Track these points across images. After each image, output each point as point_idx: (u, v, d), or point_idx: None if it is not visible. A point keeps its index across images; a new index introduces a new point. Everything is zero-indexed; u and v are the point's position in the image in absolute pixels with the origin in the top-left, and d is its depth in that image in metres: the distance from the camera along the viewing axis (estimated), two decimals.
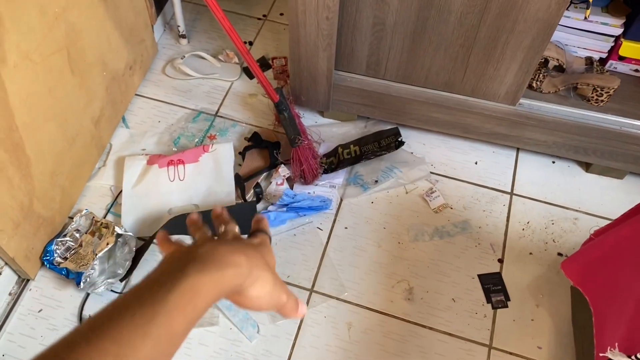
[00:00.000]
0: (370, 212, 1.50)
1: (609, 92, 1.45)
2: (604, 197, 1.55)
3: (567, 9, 1.33)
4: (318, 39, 1.41)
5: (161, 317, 0.38)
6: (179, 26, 1.79)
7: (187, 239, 0.50)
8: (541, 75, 1.50)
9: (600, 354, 0.87)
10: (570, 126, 1.48)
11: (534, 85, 1.50)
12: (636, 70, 1.53)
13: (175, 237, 0.51)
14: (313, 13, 1.35)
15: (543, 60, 1.51)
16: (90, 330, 0.36)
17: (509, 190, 1.56)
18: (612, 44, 1.50)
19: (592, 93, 1.47)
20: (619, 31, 1.46)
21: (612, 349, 0.84)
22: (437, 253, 1.43)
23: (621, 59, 1.52)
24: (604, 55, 1.53)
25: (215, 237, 0.50)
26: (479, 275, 1.40)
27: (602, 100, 1.47)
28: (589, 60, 1.53)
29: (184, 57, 1.76)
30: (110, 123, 1.57)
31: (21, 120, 1.15)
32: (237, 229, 0.54)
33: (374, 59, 1.47)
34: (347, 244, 1.44)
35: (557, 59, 1.51)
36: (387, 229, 1.47)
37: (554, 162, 1.61)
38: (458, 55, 1.40)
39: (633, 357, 0.82)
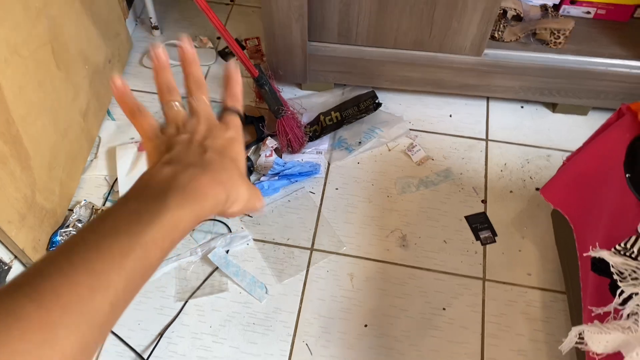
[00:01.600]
0: (358, 171, 1.58)
1: (565, 34, 1.55)
2: (571, 134, 1.65)
3: None
4: (290, 11, 1.47)
5: (138, 252, 0.37)
6: (150, 18, 1.83)
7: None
8: (501, 25, 1.60)
9: (584, 254, 0.97)
10: (533, 70, 1.58)
11: (496, 35, 1.60)
12: (587, 12, 1.64)
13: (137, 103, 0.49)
14: None
15: (502, 11, 1.61)
16: (65, 259, 0.35)
17: (484, 137, 1.65)
18: None
19: (550, 36, 1.57)
20: None
21: (593, 248, 0.94)
22: (425, 201, 1.52)
23: (573, 2, 1.62)
24: (557, 2, 1.64)
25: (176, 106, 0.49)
26: (466, 217, 1.49)
27: (559, 42, 1.57)
28: (544, 7, 1.63)
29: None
30: (97, 116, 1.61)
31: (17, 113, 1.19)
32: (207, 98, 0.51)
33: (344, 25, 1.55)
34: (339, 204, 1.52)
35: (515, 9, 1.61)
36: (375, 185, 1.55)
37: (522, 107, 1.71)
38: (423, 13, 1.48)
39: (612, 249, 0.91)
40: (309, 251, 1.44)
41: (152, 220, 0.38)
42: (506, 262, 1.42)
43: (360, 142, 1.62)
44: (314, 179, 1.56)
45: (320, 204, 1.52)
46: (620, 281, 0.88)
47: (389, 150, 1.62)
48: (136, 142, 1.60)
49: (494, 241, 1.45)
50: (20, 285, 0.33)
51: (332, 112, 1.66)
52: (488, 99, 1.73)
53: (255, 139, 1.59)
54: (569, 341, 0.95)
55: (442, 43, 1.56)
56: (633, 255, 0.87)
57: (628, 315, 0.86)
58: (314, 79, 1.70)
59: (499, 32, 1.60)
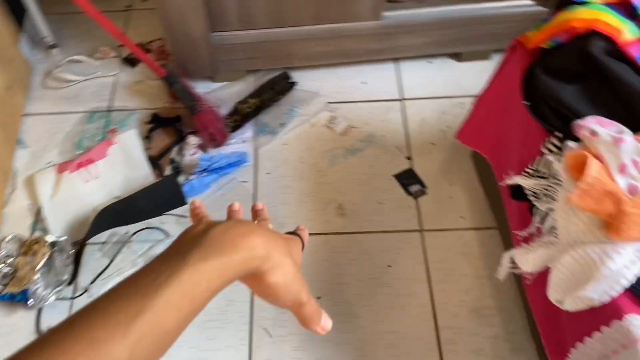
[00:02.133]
0: (285, 152, 1.59)
1: None
2: (479, 79, 1.71)
3: None
4: (186, 5, 1.46)
5: (147, 316, 0.33)
6: (45, 37, 1.76)
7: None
8: None
9: (500, 184, 1.03)
10: (432, 24, 1.64)
11: None
12: None
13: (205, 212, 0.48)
14: None
15: None
16: (68, 326, 0.33)
17: (399, 98, 1.70)
18: None
19: None
20: None
21: (506, 175, 1.00)
22: (354, 169, 1.55)
23: None
24: None
25: None
26: (395, 175, 1.54)
27: None
28: None
29: (61, 65, 1.75)
30: (7, 147, 1.54)
31: None
32: (271, 227, 0.50)
33: (244, 11, 1.55)
34: (273, 187, 1.53)
35: None
36: (305, 162, 1.57)
37: (430, 62, 1.78)
38: None
39: (523, 173, 0.97)
40: None
41: (169, 280, 0.35)
42: (439, 210, 1.48)
43: (282, 124, 1.64)
44: (244, 168, 1.57)
45: (254, 191, 1.52)
46: (535, 201, 0.94)
47: (312, 126, 1.64)
48: (54, 165, 1.55)
49: (425, 193, 1.51)
50: (18, 357, 0.31)
51: (250, 100, 1.67)
52: (397, 60, 1.78)
53: (176, 139, 1.57)
54: (503, 267, 1.01)
55: (342, 13, 1.58)
56: (544, 175, 0.94)
57: (548, 231, 0.93)
58: (225, 70, 1.69)
59: None
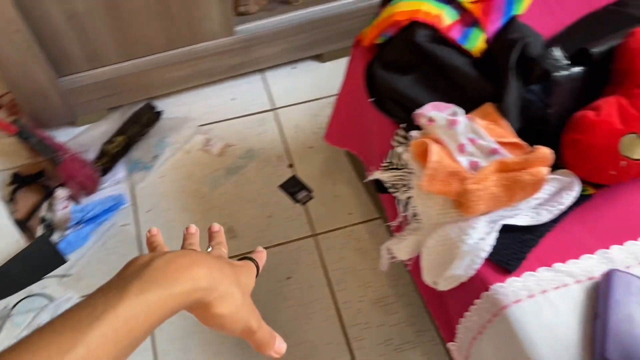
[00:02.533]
0: (164, 185, 1.54)
1: None
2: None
3: None
4: (22, 54, 1.37)
5: (79, 351, 0.32)
6: None
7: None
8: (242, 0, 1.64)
9: (364, 181, 1.05)
10: (287, 31, 1.65)
11: (242, 10, 1.63)
12: None
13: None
14: (1, 32, 1.30)
15: None
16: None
17: (271, 108, 1.70)
18: None
19: None
20: None
21: (369, 172, 1.02)
22: (238, 188, 1.53)
23: None
24: None
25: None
26: (280, 186, 1.53)
27: None
28: None
29: None
30: None
31: None
32: (226, 252, 0.51)
33: (89, 50, 1.47)
34: (157, 224, 1.48)
35: None
36: (186, 191, 1.53)
37: (294, 68, 1.79)
38: (160, 12, 1.46)
39: (380, 167, 1.00)
40: None
41: (104, 313, 0.34)
42: (328, 211, 1.49)
43: (155, 157, 1.58)
44: (123, 210, 1.50)
45: (138, 233, 1.46)
46: (395, 192, 0.97)
47: (187, 153, 1.60)
48: None
49: (312, 197, 1.52)
50: None
51: (116, 138, 1.59)
52: (262, 71, 1.77)
53: (44, 196, 1.48)
54: (383, 258, 1.04)
55: (192, 35, 1.55)
56: (398, 167, 0.96)
57: (412, 218, 0.96)
58: (84, 112, 1.61)
59: (244, 6, 1.63)
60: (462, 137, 0.87)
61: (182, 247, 0.52)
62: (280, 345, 0.47)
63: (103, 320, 0.34)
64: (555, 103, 0.88)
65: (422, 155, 0.88)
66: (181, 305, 0.39)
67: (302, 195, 1.52)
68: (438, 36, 0.97)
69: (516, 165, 0.82)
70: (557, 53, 0.88)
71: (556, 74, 0.86)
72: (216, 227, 0.56)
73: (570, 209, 0.88)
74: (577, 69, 0.87)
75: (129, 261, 0.40)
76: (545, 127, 0.90)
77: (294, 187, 1.54)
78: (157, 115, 1.63)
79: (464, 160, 0.87)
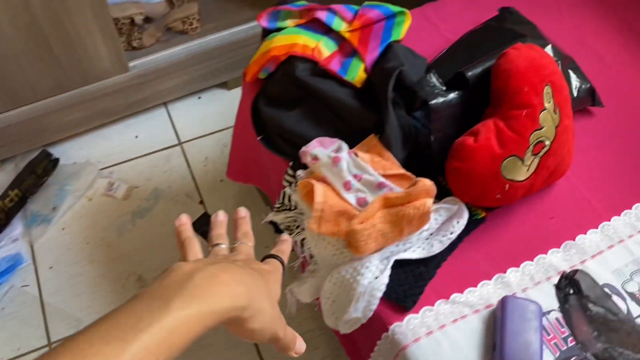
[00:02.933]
0: (66, 238, 1.45)
1: (195, 18, 1.58)
2: None
3: None
4: None
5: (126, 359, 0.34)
6: None
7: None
8: (136, 33, 1.56)
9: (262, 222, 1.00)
10: (186, 62, 1.59)
11: (136, 44, 1.56)
12: None
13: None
14: None
15: (130, 20, 1.57)
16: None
17: (177, 142, 1.63)
18: None
19: (184, 25, 1.58)
20: None
21: (265, 214, 0.98)
22: (146, 232, 1.46)
23: None
24: None
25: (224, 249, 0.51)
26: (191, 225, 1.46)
27: (196, 27, 1.60)
28: (170, 0, 1.63)
29: None
30: None
31: None
32: (252, 244, 0.53)
33: None
34: (61, 281, 1.38)
35: (141, 12, 1.58)
36: (91, 242, 1.44)
37: (199, 98, 1.73)
38: (42, 56, 1.37)
39: (274, 208, 0.96)
40: (47, 348, 1.28)
41: (150, 326, 0.35)
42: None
43: (55, 208, 1.48)
44: (22, 270, 1.39)
45: (40, 293, 1.36)
46: (290, 234, 0.93)
47: (90, 200, 1.51)
48: None
49: None
50: None
51: (10, 192, 1.48)
52: (165, 104, 1.70)
53: None
54: (289, 301, 0.99)
55: (83, 76, 1.47)
56: (290, 207, 0.92)
57: (310, 259, 0.92)
58: None
59: (138, 41, 1.56)
60: (346, 174, 0.84)
61: (211, 237, 0.54)
62: (300, 346, 0.50)
63: (147, 333, 0.35)
64: (437, 130, 0.86)
65: (310, 195, 0.85)
66: (219, 321, 0.40)
67: None
68: (318, 69, 0.93)
69: (400, 200, 0.80)
70: (433, 79, 0.87)
71: (432, 101, 0.85)
72: (242, 212, 0.57)
73: (465, 234, 0.87)
74: (452, 95, 0.86)
75: (170, 268, 0.41)
76: (431, 153, 0.88)
77: (206, 226, 1.46)
78: (54, 162, 1.53)
79: (351, 198, 0.84)
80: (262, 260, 0.53)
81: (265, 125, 0.98)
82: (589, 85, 0.99)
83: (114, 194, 1.51)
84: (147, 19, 1.60)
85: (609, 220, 0.90)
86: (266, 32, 1.01)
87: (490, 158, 0.80)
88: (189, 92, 1.68)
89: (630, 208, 0.92)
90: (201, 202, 1.52)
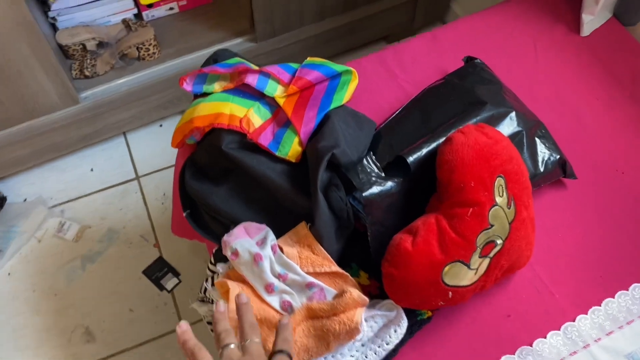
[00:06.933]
0: (11, 284, 1.36)
1: (151, 44, 1.46)
2: None
3: None
4: None
5: None
6: None
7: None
8: (89, 60, 1.45)
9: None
10: (144, 89, 1.48)
11: (88, 73, 1.45)
12: (171, 9, 1.56)
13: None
14: None
15: (81, 46, 1.46)
16: None
17: (134, 176, 1.53)
18: None
19: (140, 52, 1.47)
20: None
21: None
22: (96, 279, 1.37)
23: (150, 6, 1.53)
24: (135, 11, 1.53)
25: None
26: (143, 272, 1.38)
27: (153, 53, 1.48)
28: (125, 22, 1.52)
29: None
30: None
31: None
32: (259, 340, 0.56)
33: None
34: (3, 334, 1.30)
35: (94, 37, 1.47)
36: (38, 289, 1.36)
37: (161, 125, 1.62)
38: None
39: (198, 298, 0.86)
40: None
41: None
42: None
43: (0, 251, 1.40)
44: None
45: None
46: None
47: (39, 242, 1.42)
48: None
49: (179, 281, 1.37)
50: None
51: None
52: (124, 133, 1.60)
53: None
54: None
55: (28, 110, 1.36)
56: (211, 301, 0.83)
57: None
58: None
59: (90, 68, 1.45)
60: (268, 276, 0.73)
61: (218, 335, 0.58)
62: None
63: None
64: (373, 222, 0.75)
65: (228, 295, 0.75)
66: None
67: (168, 281, 1.37)
68: (248, 141, 0.82)
69: (324, 313, 0.70)
70: (369, 165, 0.76)
71: (367, 192, 0.74)
72: (244, 298, 0.61)
73: (408, 336, 0.77)
74: (391, 183, 0.75)
75: None
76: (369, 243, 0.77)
77: (160, 271, 1.38)
78: (0, 202, 1.44)
79: (274, 301, 0.74)
80: (270, 358, 0.56)
81: (193, 199, 0.88)
82: (559, 156, 0.87)
83: (64, 236, 1.42)
84: (101, 44, 1.49)
85: (574, 321, 0.79)
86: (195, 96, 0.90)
87: (430, 265, 0.69)
88: (148, 122, 1.57)
89: (599, 304, 0.81)
90: (156, 244, 1.42)
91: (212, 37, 1.52)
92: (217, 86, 0.86)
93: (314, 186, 0.75)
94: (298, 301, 0.74)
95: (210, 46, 1.51)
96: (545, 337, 0.78)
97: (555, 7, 1.12)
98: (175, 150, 1.56)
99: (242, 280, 0.75)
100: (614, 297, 0.81)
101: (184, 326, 0.59)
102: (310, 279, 0.74)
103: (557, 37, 1.07)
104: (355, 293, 0.69)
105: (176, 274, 1.38)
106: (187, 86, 0.87)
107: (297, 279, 0.74)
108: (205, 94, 0.87)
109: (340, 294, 0.71)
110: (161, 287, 1.36)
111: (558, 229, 0.86)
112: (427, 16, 1.74)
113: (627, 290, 0.82)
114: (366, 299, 0.70)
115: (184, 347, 0.57)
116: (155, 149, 1.58)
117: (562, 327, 0.79)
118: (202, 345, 0.57)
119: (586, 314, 0.80)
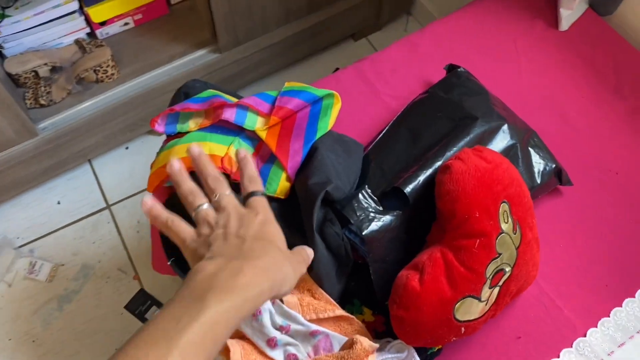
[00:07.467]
0: None
1: (109, 65, 1.38)
2: None
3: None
4: None
5: (175, 356, 0.37)
6: None
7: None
8: (43, 88, 1.36)
9: None
10: (107, 114, 1.39)
11: (44, 102, 1.35)
12: (126, 24, 1.47)
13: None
14: None
15: (33, 73, 1.36)
16: None
17: (105, 205, 1.45)
18: (84, 17, 1.40)
19: (97, 74, 1.38)
20: (75, 5, 1.36)
21: None
22: (76, 320, 1.30)
23: (102, 24, 1.44)
24: (88, 30, 1.44)
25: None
26: (125, 307, 1.31)
27: (112, 74, 1.40)
28: (79, 43, 1.42)
29: None
30: None
31: None
32: (231, 195, 0.52)
33: None
34: None
35: (46, 63, 1.37)
36: (14, 337, 1.28)
37: (127, 148, 1.54)
38: None
39: None
40: None
41: (190, 323, 0.39)
42: None
43: None
44: None
45: None
46: None
47: (9, 286, 1.34)
48: None
49: None
50: None
51: None
52: (89, 160, 1.51)
53: None
54: None
55: None
56: None
57: None
58: None
59: (45, 96, 1.36)
60: (270, 330, 0.69)
61: (185, 198, 0.51)
62: (309, 254, 0.55)
63: (189, 330, 0.39)
64: (375, 260, 0.71)
65: (229, 354, 0.70)
66: (254, 308, 0.44)
67: (153, 313, 1.30)
68: (231, 182, 0.77)
69: None
70: (366, 199, 0.71)
71: (366, 231, 0.69)
72: (242, 152, 0.55)
73: None
74: (389, 218, 0.71)
75: (194, 270, 0.44)
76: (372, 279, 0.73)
77: (143, 305, 1.32)
78: None
79: (278, 355, 0.70)
80: (244, 202, 0.52)
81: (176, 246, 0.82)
82: (554, 165, 0.84)
83: (36, 277, 1.34)
84: (54, 69, 1.39)
85: (585, 335, 0.78)
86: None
87: (440, 303, 0.66)
88: (114, 146, 1.49)
89: (607, 315, 0.79)
90: (136, 276, 1.35)
91: (172, 50, 1.44)
92: (192, 124, 0.80)
93: (309, 229, 0.70)
94: (304, 352, 0.70)
95: (172, 61, 1.44)
96: (558, 357, 0.76)
97: (530, 1, 1.09)
98: (144, 172, 1.48)
99: (242, 336, 0.70)
100: (621, 306, 0.80)
101: (149, 202, 0.51)
102: (315, 326, 0.70)
103: (537, 33, 1.04)
104: (365, 342, 0.65)
105: (160, 305, 1.31)
106: (159, 127, 0.80)
107: (301, 329, 0.70)
108: (179, 134, 0.80)
109: (349, 345, 0.66)
110: (144, 320, 1.29)
111: (559, 240, 0.84)
112: (392, 10, 1.70)
113: (634, 297, 0.80)
114: (375, 345, 0.66)
115: (156, 223, 0.51)
116: (124, 173, 1.50)
117: (574, 344, 0.77)
118: (176, 216, 0.50)
119: (596, 326, 0.78)
